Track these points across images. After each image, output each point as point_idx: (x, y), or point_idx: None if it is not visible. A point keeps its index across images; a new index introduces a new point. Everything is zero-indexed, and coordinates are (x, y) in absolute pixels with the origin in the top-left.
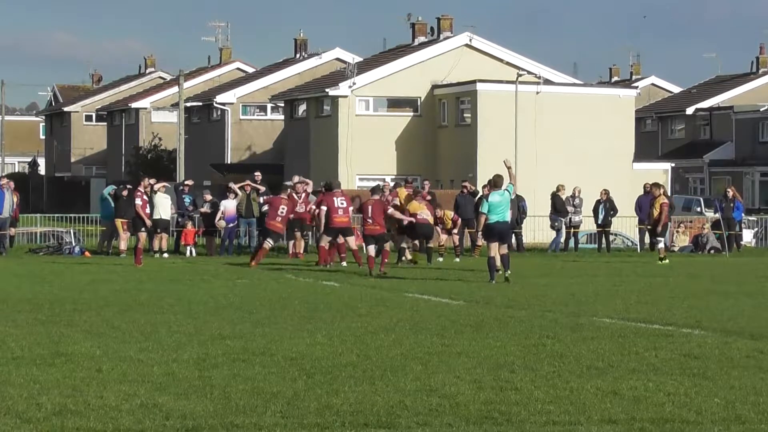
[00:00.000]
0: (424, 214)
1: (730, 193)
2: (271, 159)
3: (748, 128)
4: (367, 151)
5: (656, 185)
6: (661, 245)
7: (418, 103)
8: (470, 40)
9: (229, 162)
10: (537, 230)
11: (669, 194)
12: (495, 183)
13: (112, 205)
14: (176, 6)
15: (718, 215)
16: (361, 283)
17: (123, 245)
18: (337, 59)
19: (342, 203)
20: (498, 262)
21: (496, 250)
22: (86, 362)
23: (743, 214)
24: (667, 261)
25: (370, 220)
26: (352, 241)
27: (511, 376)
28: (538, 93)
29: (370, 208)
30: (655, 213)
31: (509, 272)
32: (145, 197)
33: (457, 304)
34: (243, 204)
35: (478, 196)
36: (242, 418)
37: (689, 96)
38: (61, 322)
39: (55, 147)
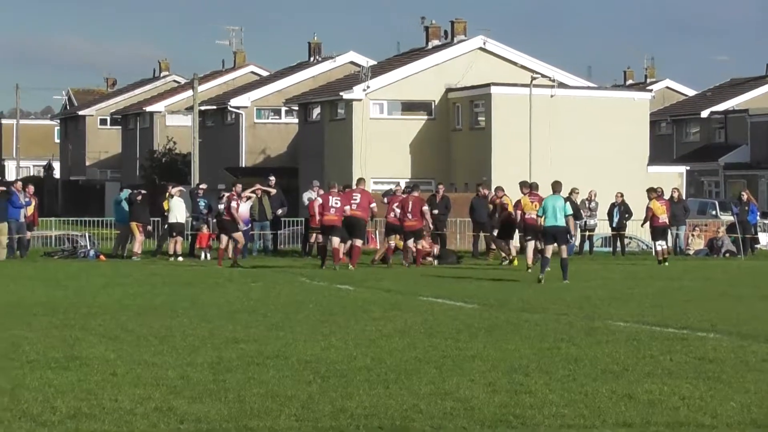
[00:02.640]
0: (533, 213)
1: (745, 196)
2: (285, 162)
3: (763, 131)
4: (381, 154)
5: (650, 190)
6: (658, 248)
7: (432, 107)
8: (484, 44)
9: (243, 165)
10: None
11: (683, 197)
12: (554, 188)
13: (126, 209)
14: (190, 10)
15: (733, 218)
16: (376, 286)
17: (137, 248)
18: (351, 63)
19: (336, 203)
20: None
21: (550, 251)
22: (101, 366)
23: (758, 217)
24: (666, 263)
25: (409, 215)
26: (336, 241)
27: (526, 380)
28: (552, 96)
29: (410, 203)
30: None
31: (567, 281)
32: (239, 201)
33: (471, 308)
34: (256, 207)
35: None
36: (256, 421)
37: (704, 99)
38: (75, 326)
39: (70, 151)
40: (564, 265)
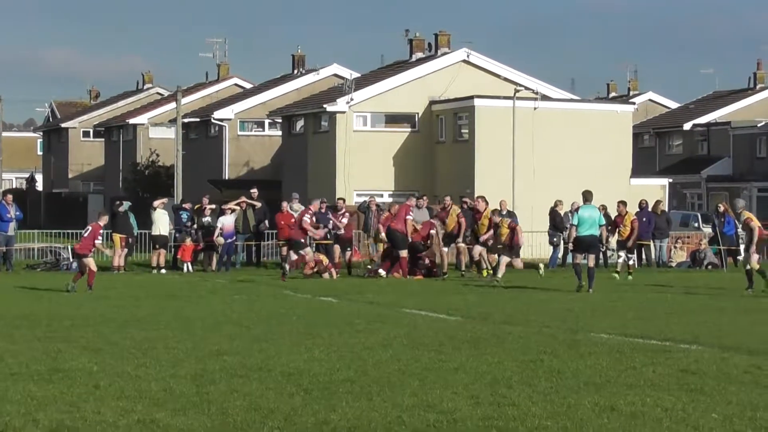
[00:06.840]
0: None
1: (721, 208)
2: (268, 175)
3: (745, 144)
4: (364, 166)
5: (622, 203)
6: (631, 261)
7: (416, 119)
8: (468, 56)
9: (226, 178)
10: (534, 246)
11: (666, 209)
12: (585, 198)
13: (133, 220)
14: (174, 22)
15: (713, 231)
16: (359, 299)
17: (117, 261)
18: (335, 75)
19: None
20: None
21: (580, 259)
22: (83, 378)
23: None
24: (630, 277)
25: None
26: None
27: (509, 392)
28: (535, 109)
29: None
30: (625, 230)
31: (592, 290)
32: (313, 218)
33: (455, 320)
34: (240, 220)
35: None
36: None
37: (687, 111)
38: (58, 338)
39: (53, 163)
40: (592, 275)
